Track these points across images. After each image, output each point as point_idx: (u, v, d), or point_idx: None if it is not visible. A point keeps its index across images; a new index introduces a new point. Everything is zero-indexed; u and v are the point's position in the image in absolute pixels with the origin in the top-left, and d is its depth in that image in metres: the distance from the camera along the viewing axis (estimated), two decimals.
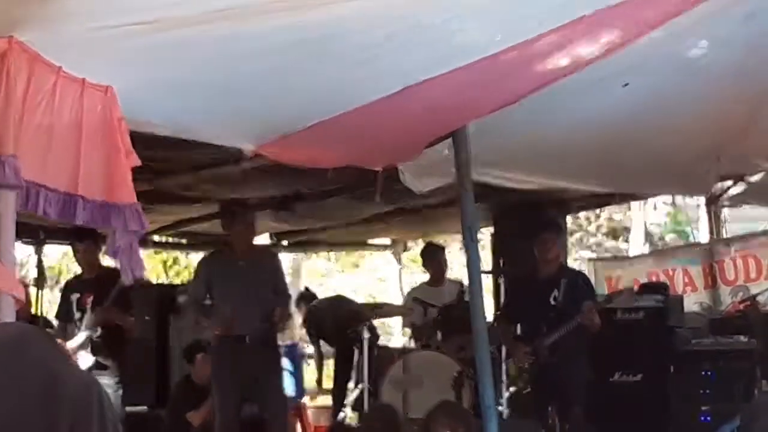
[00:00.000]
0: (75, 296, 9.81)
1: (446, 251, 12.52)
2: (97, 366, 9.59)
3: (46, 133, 4.58)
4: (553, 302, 9.16)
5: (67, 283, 10.42)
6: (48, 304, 10.29)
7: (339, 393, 11.72)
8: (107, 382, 9.69)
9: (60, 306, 10.09)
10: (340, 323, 11.78)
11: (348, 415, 10.62)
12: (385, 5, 4.92)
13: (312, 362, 14.13)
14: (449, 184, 7.43)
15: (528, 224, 10.44)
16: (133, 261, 4.89)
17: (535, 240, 9.34)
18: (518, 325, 9.65)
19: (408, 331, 12.11)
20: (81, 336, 9.56)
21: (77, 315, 9.71)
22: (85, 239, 9.54)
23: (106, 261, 9.52)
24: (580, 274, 10.23)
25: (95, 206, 4.76)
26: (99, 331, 9.55)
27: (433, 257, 12.00)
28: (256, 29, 4.74)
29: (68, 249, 10.71)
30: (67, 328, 9.75)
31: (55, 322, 10.11)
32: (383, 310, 11.35)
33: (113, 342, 9.68)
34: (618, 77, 6.41)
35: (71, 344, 9.52)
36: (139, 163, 4.99)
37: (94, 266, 9.75)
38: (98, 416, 2.45)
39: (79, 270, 10.32)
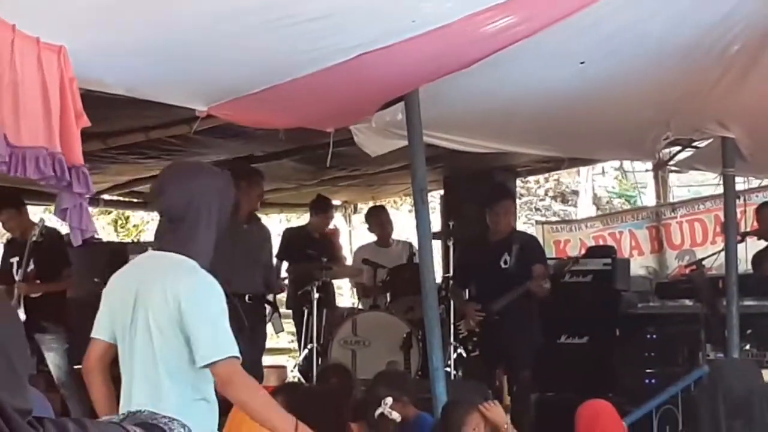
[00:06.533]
0: (14, 259, 9.79)
1: (389, 211, 12.64)
2: (37, 329, 9.56)
3: (13, 92, 4.54)
4: (504, 266, 9.21)
5: (5, 246, 10.39)
6: None
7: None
8: (50, 339, 9.68)
9: (2, 268, 10.08)
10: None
11: (296, 375, 10.67)
12: None
13: None
14: (402, 147, 7.45)
15: (478, 188, 10.49)
16: (82, 222, 4.87)
17: (491, 206, 9.37)
18: (467, 290, 9.72)
19: (356, 290, 12.19)
20: (14, 299, 9.54)
21: (18, 277, 9.70)
22: (4, 208, 9.55)
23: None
24: (531, 239, 10.29)
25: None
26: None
27: (376, 218, 12.11)
28: None
29: None
30: (10, 289, 9.74)
31: None
32: (333, 270, 11.39)
33: (51, 302, 9.68)
34: (572, 49, 6.45)
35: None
36: (88, 124, 4.96)
37: (23, 229, 9.70)
38: None
39: None
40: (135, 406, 4.12)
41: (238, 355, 4.15)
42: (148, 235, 19.86)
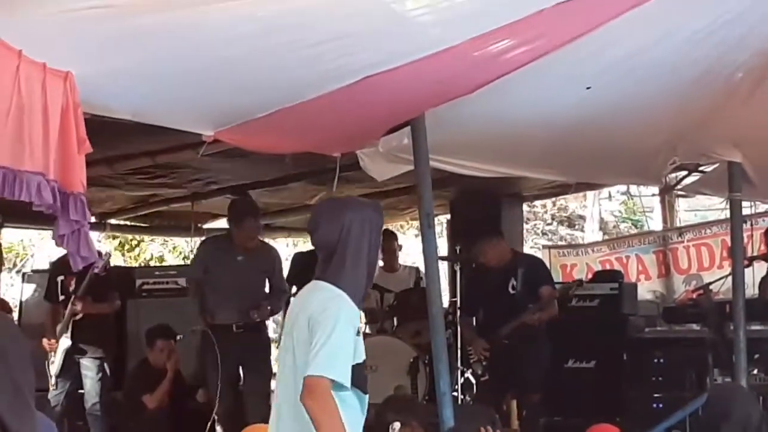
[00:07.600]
0: (60, 278, 9.83)
1: (398, 237, 12.62)
2: (77, 351, 9.62)
3: (18, 117, 4.55)
4: (511, 291, 9.21)
5: (54, 264, 10.41)
6: (5, 287, 10.28)
7: None
8: (88, 364, 9.72)
9: (48, 287, 10.13)
10: None
11: None
12: None
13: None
14: (407, 171, 7.46)
15: (484, 212, 10.48)
16: (80, 248, 4.87)
17: (475, 248, 9.42)
18: (475, 316, 9.70)
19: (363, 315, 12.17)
20: (63, 322, 9.60)
21: (62, 297, 9.76)
22: None
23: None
24: (536, 261, 10.28)
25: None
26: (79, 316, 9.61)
27: (385, 244, 12.08)
28: (218, 18, 4.75)
29: (26, 233, 10.67)
30: (56, 310, 9.79)
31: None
32: None
33: (93, 327, 9.70)
34: (578, 74, 6.45)
35: (58, 328, 9.60)
36: (91, 150, 4.98)
37: None
38: None
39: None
40: (282, 424, 4.48)
41: (338, 379, 4.29)
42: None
